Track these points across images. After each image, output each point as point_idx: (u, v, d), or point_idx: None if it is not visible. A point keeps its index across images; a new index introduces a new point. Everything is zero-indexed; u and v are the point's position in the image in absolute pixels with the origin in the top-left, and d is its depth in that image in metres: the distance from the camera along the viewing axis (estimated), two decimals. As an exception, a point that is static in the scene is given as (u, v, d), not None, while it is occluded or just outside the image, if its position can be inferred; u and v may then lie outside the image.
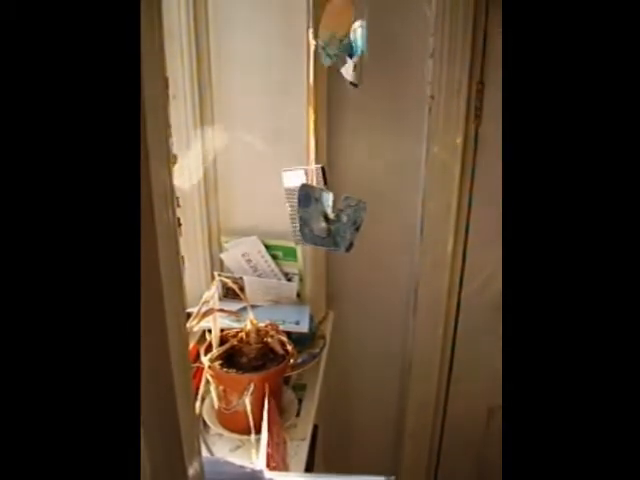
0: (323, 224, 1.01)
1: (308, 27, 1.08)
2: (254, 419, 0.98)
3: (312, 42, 1.03)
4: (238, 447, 1.04)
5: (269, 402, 0.97)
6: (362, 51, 1.04)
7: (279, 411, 1.06)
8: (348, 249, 1.03)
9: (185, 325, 0.60)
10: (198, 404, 1.07)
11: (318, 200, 1.01)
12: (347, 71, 1.06)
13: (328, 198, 1.02)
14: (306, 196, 1.01)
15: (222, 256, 1.34)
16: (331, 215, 1.01)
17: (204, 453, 0.98)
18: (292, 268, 1.33)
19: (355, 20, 1.05)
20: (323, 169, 1.10)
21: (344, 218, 1.01)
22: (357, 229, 1.02)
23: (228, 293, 1.28)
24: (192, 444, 0.60)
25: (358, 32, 1.04)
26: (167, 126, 0.51)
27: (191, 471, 0.59)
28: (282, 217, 1.11)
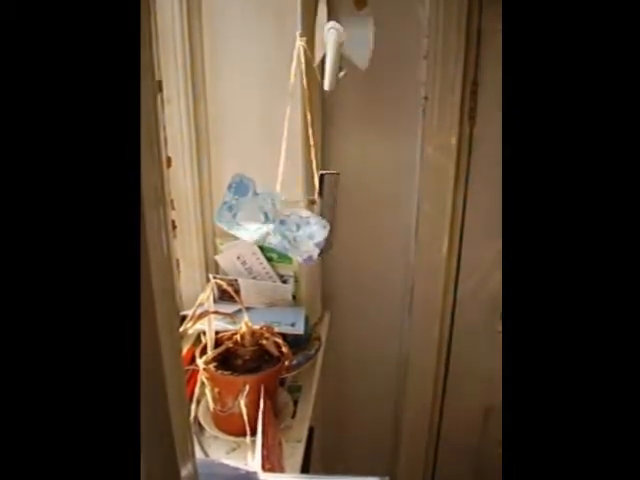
0: (259, 219, 0.99)
1: (297, 30, 1.07)
2: (249, 421, 0.98)
3: (301, 44, 1.03)
4: (234, 449, 1.03)
5: (264, 404, 0.97)
6: (333, 55, 1.01)
7: (274, 413, 1.06)
8: (306, 261, 1.01)
9: (178, 327, 0.61)
10: (193, 406, 1.07)
11: (259, 195, 1.00)
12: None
13: (273, 197, 1.00)
14: (240, 184, 0.99)
15: (217, 258, 1.34)
16: (271, 216, 1.00)
17: (199, 455, 0.98)
18: (287, 270, 1.33)
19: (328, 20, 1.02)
20: (321, 176, 1.09)
21: (293, 227, 0.98)
22: (317, 246, 0.99)
23: (223, 295, 1.28)
24: (185, 446, 0.60)
25: (330, 34, 1.02)
26: (159, 129, 0.51)
27: (184, 472, 0.59)
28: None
